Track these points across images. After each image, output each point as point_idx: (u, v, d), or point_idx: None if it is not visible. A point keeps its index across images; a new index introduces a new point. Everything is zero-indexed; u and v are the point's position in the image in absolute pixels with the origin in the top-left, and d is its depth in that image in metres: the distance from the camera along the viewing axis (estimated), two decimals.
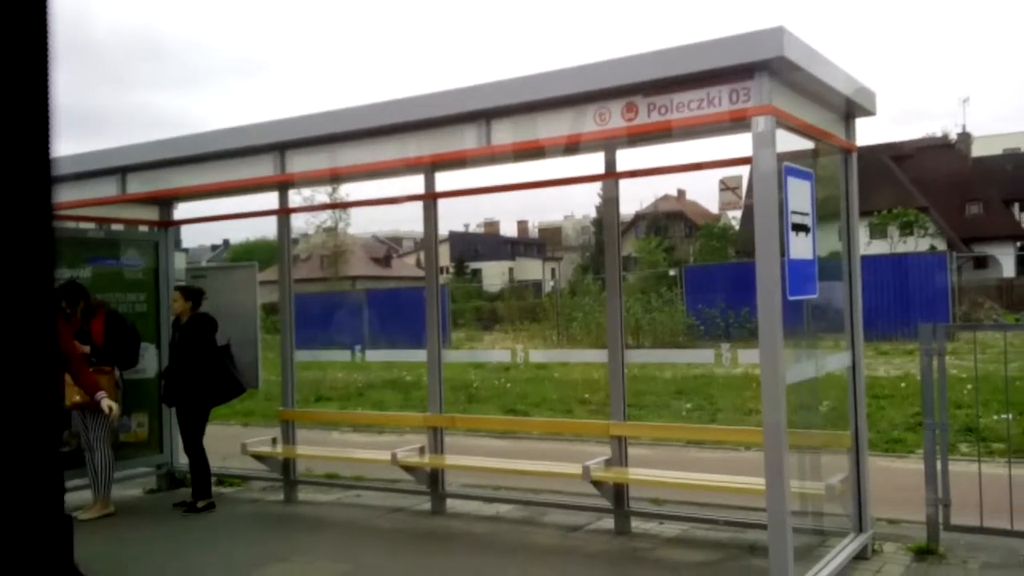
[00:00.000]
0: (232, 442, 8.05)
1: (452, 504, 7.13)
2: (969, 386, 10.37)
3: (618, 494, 6.27)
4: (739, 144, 5.31)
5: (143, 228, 8.60)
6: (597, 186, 35.38)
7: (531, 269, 65.76)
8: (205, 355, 7.17)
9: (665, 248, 46.39)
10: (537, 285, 48.16)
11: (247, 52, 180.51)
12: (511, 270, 65.84)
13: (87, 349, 6.99)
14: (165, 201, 8.33)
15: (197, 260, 44.89)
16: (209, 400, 7.26)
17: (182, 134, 7.02)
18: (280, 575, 5.63)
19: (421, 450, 7.05)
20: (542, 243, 77.10)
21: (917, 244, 38.03)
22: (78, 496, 7.17)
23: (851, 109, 5.52)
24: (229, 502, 7.72)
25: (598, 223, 49.52)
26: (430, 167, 6.80)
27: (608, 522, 6.40)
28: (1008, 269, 41.61)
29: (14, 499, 0.74)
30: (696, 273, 28.15)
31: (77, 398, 6.85)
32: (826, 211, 5.41)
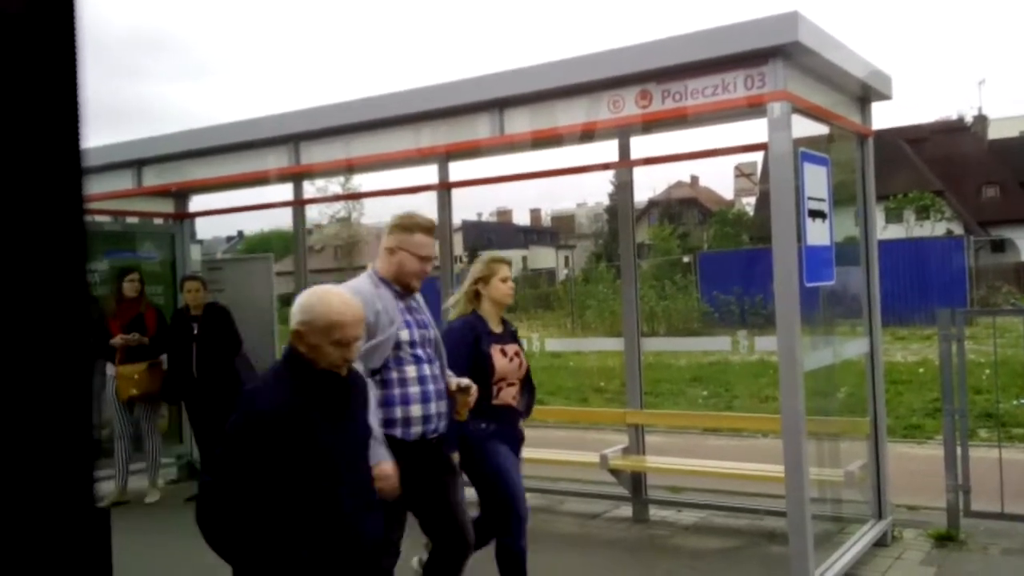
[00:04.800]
0: None
1: (470, 492, 7.14)
2: (988, 371, 10.30)
3: (636, 482, 6.28)
4: (754, 130, 5.28)
5: (158, 221, 8.65)
6: (610, 173, 35.27)
7: (544, 257, 65.68)
8: (239, 341, 7.21)
9: (679, 235, 46.24)
10: (551, 273, 48.12)
11: (254, 45, 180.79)
12: (524, 259, 65.79)
13: (145, 340, 7.17)
14: (180, 193, 8.37)
15: (212, 252, 45.11)
16: (245, 385, 7.32)
17: (189, 128, 7.06)
18: None
19: None
20: (555, 231, 76.99)
21: (933, 228, 37.73)
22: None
23: (867, 93, 5.47)
24: None
25: (611, 210, 49.37)
26: (444, 156, 6.80)
27: (626, 510, 6.41)
28: None
29: (50, 493, 0.75)
30: (710, 260, 28.04)
31: (134, 391, 6.99)
32: (842, 196, 5.38)
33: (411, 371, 3.63)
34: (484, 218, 76.27)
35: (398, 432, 3.59)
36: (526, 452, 7.33)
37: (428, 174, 7.11)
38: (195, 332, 7.15)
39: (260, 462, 2.56)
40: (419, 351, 3.69)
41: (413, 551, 4.39)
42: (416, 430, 3.63)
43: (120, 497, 7.23)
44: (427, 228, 3.79)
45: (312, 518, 2.65)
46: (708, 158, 6.07)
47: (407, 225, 3.77)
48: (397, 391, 3.61)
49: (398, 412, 3.60)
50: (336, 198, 37.92)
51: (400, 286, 3.76)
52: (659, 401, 11.45)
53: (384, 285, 3.74)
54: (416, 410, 3.63)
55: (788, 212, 4.38)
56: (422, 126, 5.82)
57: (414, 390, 3.63)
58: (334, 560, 2.69)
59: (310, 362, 2.74)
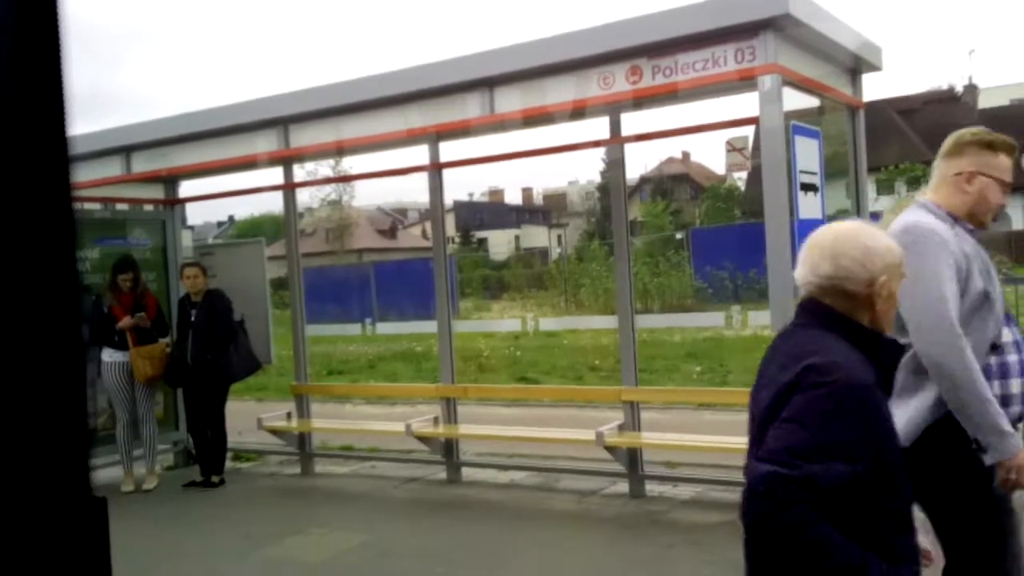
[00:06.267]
0: (247, 417, 8.11)
1: (467, 472, 7.18)
2: None
3: (632, 458, 6.31)
4: (745, 104, 5.28)
5: (148, 207, 8.61)
6: (601, 151, 35.09)
7: (537, 236, 65.60)
8: (231, 330, 7.24)
9: (671, 211, 46.20)
10: (544, 252, 48.12)
11: (240, 28, 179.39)
12: (517, 238, 65.73)
13: (148, 323, 7.23)
14: (170, 179, 8.32)
15: (203, 237, 44.92)
16: (235, 375, 7.34)
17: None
18: (298, 546, 5.70)
19: (435, 420, 7.09)
20: (547, 210, 76.84)
21: None
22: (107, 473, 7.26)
23: (857, 65, 5.46)
24: (246, 476, 7.80)
25: (603, 188, 49.32)
26: (434, 137, 6.77)
27: (623, 486, 6.44)
28: (1017, 222, 41.24)
29: (46, 481, 0.74)
30: (703, 235, 28.04)
31: (151, 372, 7.06)
32: (834, 168, 5.38)
33: (1006, 335, 2.79)
34: (476, 198, 76.11)
35: None
36: (522, 431, 7.39)
37: (419, 155, 7.09)
38: (192, 319, 7.22)
39: (863, 450, 1.96)
40: (1002, 308, 2.84)
41: None
42: (1015, 410, 2.79)
43: (133, 486, 7.27)
44: (1012, 147, 2.92)
45: (892, 530, 2.04)
46: (699, 133, 6.05)
47: (990, 142, 2.87)
48: (993, 360, 2.77)
49: (995, 387, 2.76)
50: (326, 181, 37.83)
51: (975, 224, 2.88)
52: (654, 378, 11.49)
53: (958, 224, 2.83)
54: (1016, 385, 2.79)
55: (780, 186, 4.38)
56: (412, 107, 5.79)
57: (1012, 359, 2.78)
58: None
59: (865, 324, 2.10)
